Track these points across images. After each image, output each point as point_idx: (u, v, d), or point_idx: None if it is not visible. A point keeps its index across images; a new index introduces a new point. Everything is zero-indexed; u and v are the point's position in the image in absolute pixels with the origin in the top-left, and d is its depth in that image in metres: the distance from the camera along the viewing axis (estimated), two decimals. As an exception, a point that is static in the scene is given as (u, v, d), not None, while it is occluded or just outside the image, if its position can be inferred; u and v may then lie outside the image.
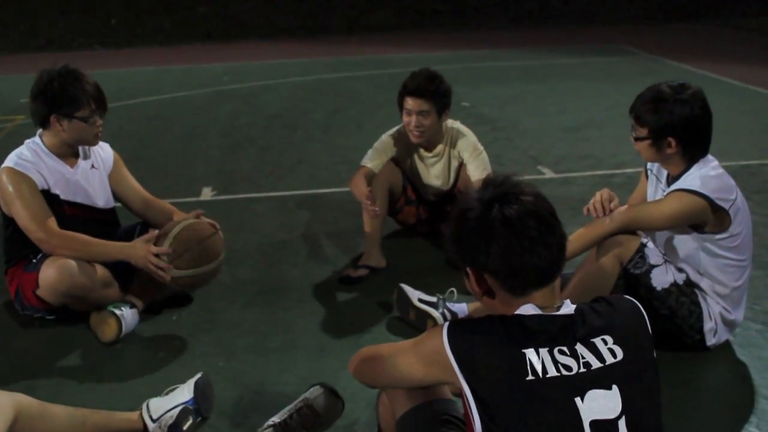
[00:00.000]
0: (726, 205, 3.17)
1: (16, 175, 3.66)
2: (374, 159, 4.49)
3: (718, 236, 3.23)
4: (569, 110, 8.53)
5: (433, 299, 3.68)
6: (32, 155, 3.73)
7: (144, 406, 2.91)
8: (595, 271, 3.28)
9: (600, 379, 1.85)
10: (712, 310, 3.30)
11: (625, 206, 3.37)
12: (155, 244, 3.57)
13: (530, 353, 1.84)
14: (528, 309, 1.90)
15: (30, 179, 3.67)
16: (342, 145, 7.31)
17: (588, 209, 3.36)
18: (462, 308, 3.65)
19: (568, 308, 1.93)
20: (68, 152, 3.82)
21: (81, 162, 3.87)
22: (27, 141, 3.80)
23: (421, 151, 4.57)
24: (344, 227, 5.06)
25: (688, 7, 17.05)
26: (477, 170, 4.39)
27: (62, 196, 3.77)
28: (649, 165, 3.55)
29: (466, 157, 4.46)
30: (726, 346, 3.44)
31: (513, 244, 1.88)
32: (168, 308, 3.95)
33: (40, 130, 3.79)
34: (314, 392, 2.81)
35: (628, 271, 3.28)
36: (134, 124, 8.47)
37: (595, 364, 1.85)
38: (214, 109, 9.25)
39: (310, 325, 3.81)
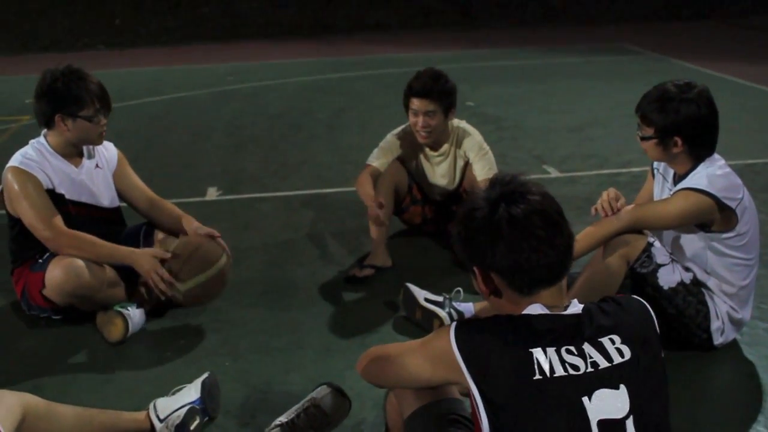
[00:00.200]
0: (733, 204, 3.16)
1: (22, 174, 3.67)
2: (380, 158, 4.49)
3: (725, 235, 3.22)
4: (574, 109, 8.52)
5: (440, 299, 3.68)
6: (37, 155, 3.73)
7: (151, 406, 2.92)
8: (602, 271, 3.27)
9: (607, 378, 1.85)
10: (719, 309, 3.30)
11: (632, 205, 3.36)
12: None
13: (538, 353, 1.84)
14: (535, 309, 1.90)
15: (35, 178, 3.67)
16: (346, 144, 7.32)
17: (595, 209, 3.36)
18: (468, 308, 3.65)
19: (575, 308, 1.93)
20: (73, 152, 3.82)
21: (85, 161, 3.88)
22: (32, 141, 3.81)
23: (427, 150, 4.56)
24: (350, 227, 5.06)
25: (693, 5, 17.01)
26: (483, 170, 4.39)
27: (67, 196, 3.78)
28: (655, 164, 3.55)
29: (472, 156, 4.45)
30: (733, 345, 3.44)
31: (519, 243, 1.88)
32: (174, 308, 3.94)
33: (44, 130, 3.80)
34: (321, 392, 2.81)
35: (635, 271, 3.27)
36: (138, 125, 8.47)
37: (603, 363, 1.85)
38: (218, 109, 9.25)
39: (317, 324, 3.81)
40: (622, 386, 1.85)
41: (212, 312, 3.95)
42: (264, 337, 3.70)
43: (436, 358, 1.96)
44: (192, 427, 2.84)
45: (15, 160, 3.71)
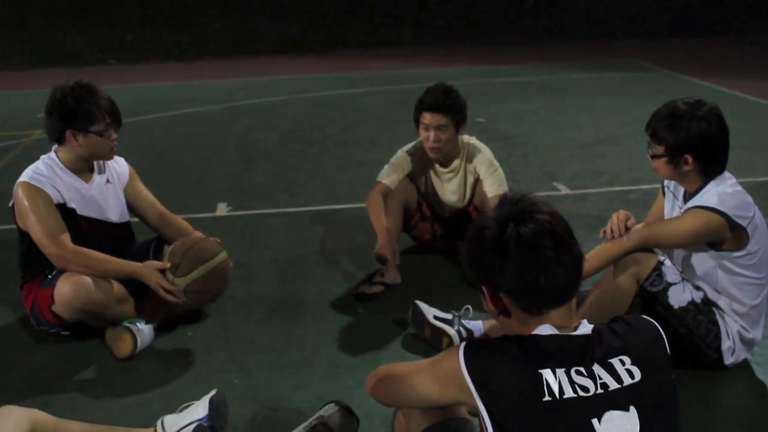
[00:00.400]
0: (744, 223, 3.15)
1: (32, 189, 3.68)
2: (390, 174, 4.49)
3: (735, 254, 3.20)
4: (585, 126, 8.51)
5: (449, 316, 3.66)
6: (48, 170, 3.75)
7: (159, 423, 2.91)
8: (612, 290, 3.26)
9: (617, 400, 1.83)
10: (730, 328, 3.28)
11: (642, 224, 3.35)
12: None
13: (547, 374, 1.83)
14: (545, 329, 1.89)
15: (45, 193, 3.68)
16: (357, 160, 7.32)
17: (605, 231, 3.34)
18: (477, 325, 3.63)
19: (585, 328, 1.92)
20: (84, 167, 3.84)
21: (96, 177, 3.89)
22: (42, 156, 3.83)
23: (437, 166, 4.56)
24: (359, 243, 5.05)
25: (703, 22, 17.00)
26: (493, 186, 4.38)
27: (78, 211, 3.79)
28: (666, 182, 3.54)
29: (482, 172, 4.45)
30: (744, 365, 3.41)
31: (528, 264, 1.87)
32: (183, 324, 3.94)
33: (55, 146, 3.81)
34: (329, 410, 2.81)
35: (645, 289, 3.25)
36: (150, 140, 8.51)
37: (613, 385, 1.84)
38: (229, 124, 9.28)
39: (325, 341, 3.81)
40: (632, 408, 1.84)
41: (221, 328, 3.95)
42: (272, 354, 3.69)
43: (445, 378, 1.95)
44: (199, 445, 2.84)
45: (26, 176, 3.73)
